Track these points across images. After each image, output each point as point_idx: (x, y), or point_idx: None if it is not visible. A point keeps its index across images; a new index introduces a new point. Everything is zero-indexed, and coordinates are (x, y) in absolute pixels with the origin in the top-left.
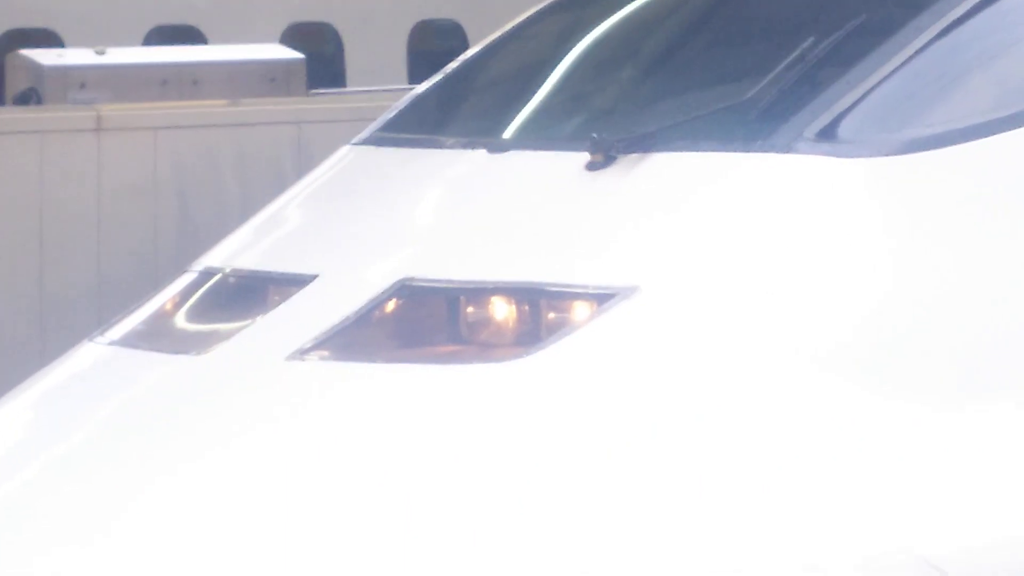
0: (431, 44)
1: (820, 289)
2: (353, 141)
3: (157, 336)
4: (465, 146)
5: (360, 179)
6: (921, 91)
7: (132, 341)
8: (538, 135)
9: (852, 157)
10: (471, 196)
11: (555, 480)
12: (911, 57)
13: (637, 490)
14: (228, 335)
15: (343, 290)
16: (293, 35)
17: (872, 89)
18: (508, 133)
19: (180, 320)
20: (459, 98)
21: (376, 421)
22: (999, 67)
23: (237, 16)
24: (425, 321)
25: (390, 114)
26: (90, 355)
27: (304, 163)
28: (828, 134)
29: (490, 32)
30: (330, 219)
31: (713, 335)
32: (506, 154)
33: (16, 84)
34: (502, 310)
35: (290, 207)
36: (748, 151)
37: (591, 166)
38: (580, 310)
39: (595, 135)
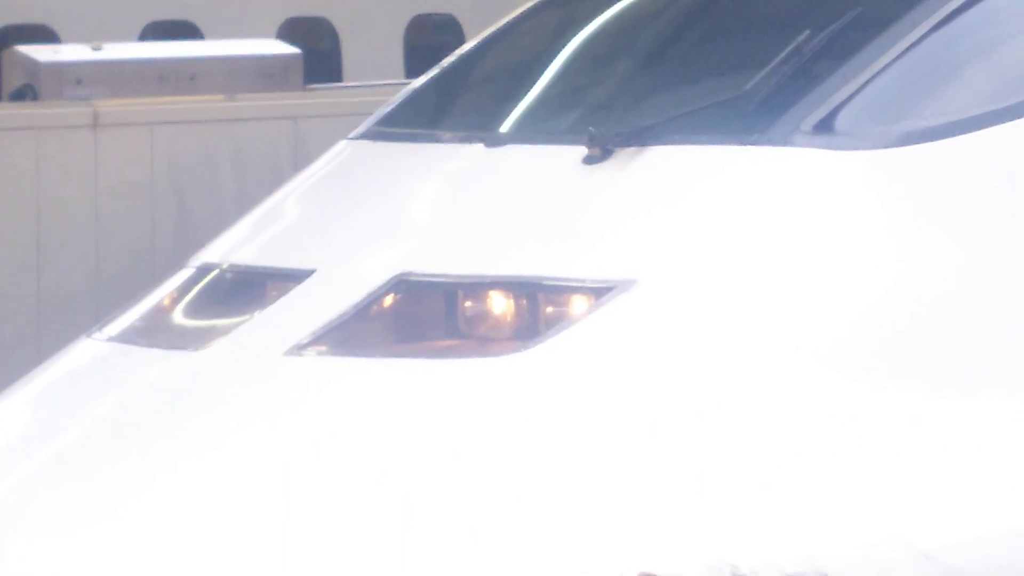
0: (428, 39)
1: (818, 282)
2: (350, 136)
3: (155, 332)
4: (462, 140)
5: (357, 174)
6: (918, 83)
7: (130, 337)
8: (535, 129)
9: (849, 150)
10: (468, 190)
11: (554, 474)
12: (907, 49)
13: (636, 483)
14: (226, 330)
15: (340, 285)
16: (289, 30)
17: (869, 81)
18: (505, 127)
19: (178, 316)
20: (456, 92)
21: (374, 416)
22: (995, 59)
23: (233, 11)
24: (423, 315)
25: (387, 108)
26: (88, 351)
27: (301, 158)
28: (825, 127)
29: (486, 26)
30: (327, 214)
31: (711, 328)
32: (503, 148)
33: (12, 80)
34: (500, 304)
35: (287, 202)
36: (745, 144)
37: (588, 159)
38: (578, 304)
39: (592, 129)
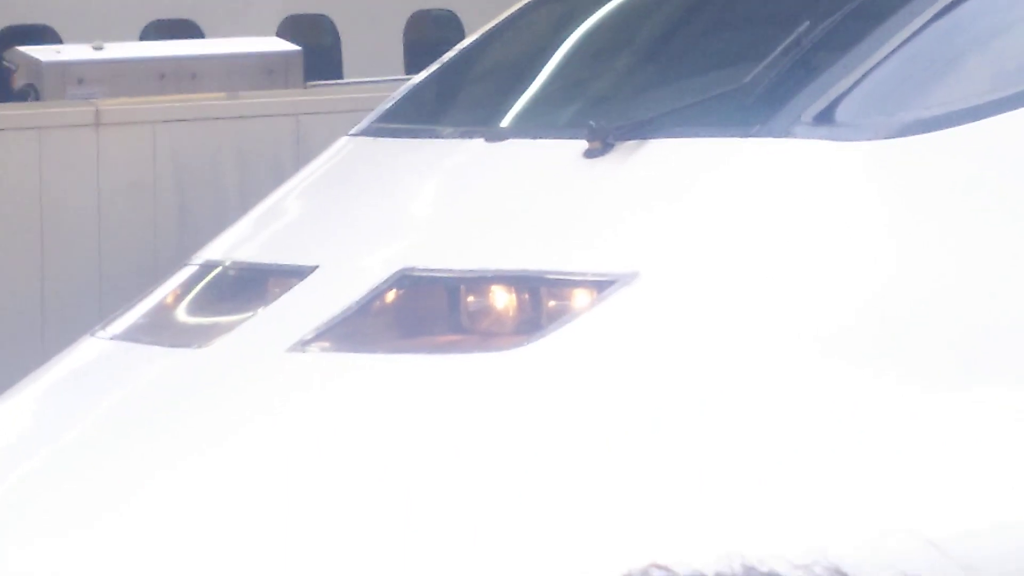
0: (427, 34)
1: (820, 273)
2: (351, 132)
3: (158, 329)
4: (463, 135)
5: (359, 170)
6: (918, 73)
7: (133, 335)
8: (535, 123)
9: (850, 140)
10: (469, 185)
11: (561, 467)
12: (908, 39)
13: (643, 475)
14: (229, 327)
15: (343, 281)
16: (290, 27)
17: (869, 72)
18: (505, 122)
19: (181, 313)
20: (456, 88)
21: (378, 411)
22: (996, 48)
23: (233, 9)
24: (425, 311)
25: (388, 105)
26: (91, 349)
27: (303, 155)
28: (826, 118)
29: (486, 21)
30: (329, 210)
31: (713, 320)
32: (504, 143)
33: (14, 80)
34: (502, 299)
35: (289, 199)
36: (746, 136)
37: (589, 153)
38: (580, 297)
39: (592, 122)
